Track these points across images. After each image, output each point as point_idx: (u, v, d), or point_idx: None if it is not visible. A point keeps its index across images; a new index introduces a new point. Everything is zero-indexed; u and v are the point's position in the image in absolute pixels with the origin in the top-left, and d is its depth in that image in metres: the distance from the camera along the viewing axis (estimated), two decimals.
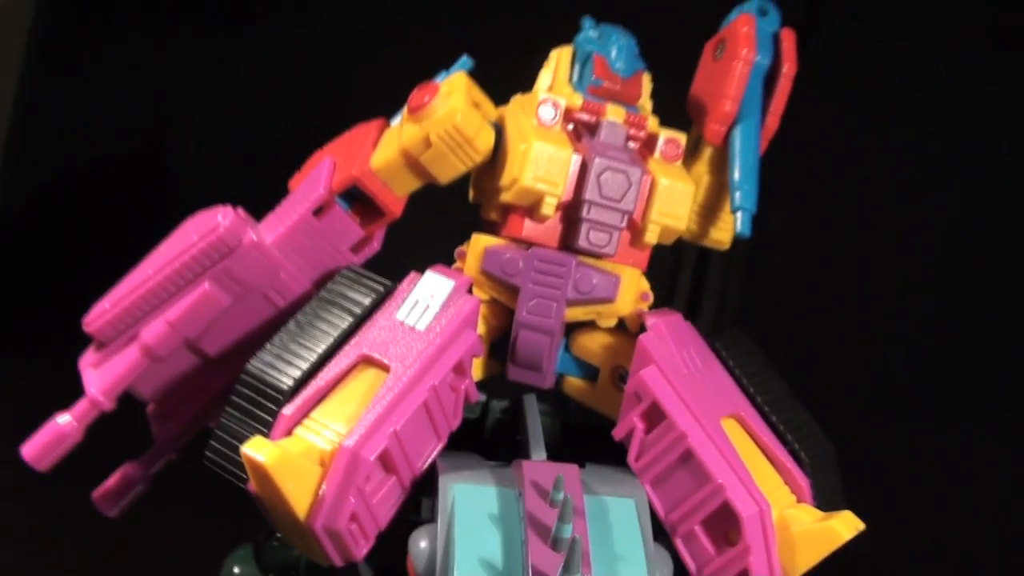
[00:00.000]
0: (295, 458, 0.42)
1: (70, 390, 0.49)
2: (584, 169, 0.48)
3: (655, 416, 0.47)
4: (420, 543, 0.44)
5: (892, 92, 0.97)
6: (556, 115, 0.49)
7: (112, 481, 0.52)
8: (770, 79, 0.52)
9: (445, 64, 0.53)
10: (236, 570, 0.56)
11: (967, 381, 1.05)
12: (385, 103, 0.55)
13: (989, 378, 1.03)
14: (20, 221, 1.27)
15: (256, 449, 0.42)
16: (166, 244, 0.50)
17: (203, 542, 0.59)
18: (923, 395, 1.01)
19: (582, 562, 0.39)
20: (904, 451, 0.90)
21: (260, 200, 0.53)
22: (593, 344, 0.52)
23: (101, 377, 0.49)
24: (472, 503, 0.44)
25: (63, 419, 0.48)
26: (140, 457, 0.53)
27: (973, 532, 1.01)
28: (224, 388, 0.51)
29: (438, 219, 0.54)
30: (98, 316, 0.49)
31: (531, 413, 0.50)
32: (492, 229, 0.52)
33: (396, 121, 0.52)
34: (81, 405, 0.49)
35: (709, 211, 0.54)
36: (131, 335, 0.49)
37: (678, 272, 1.02)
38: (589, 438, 0.51)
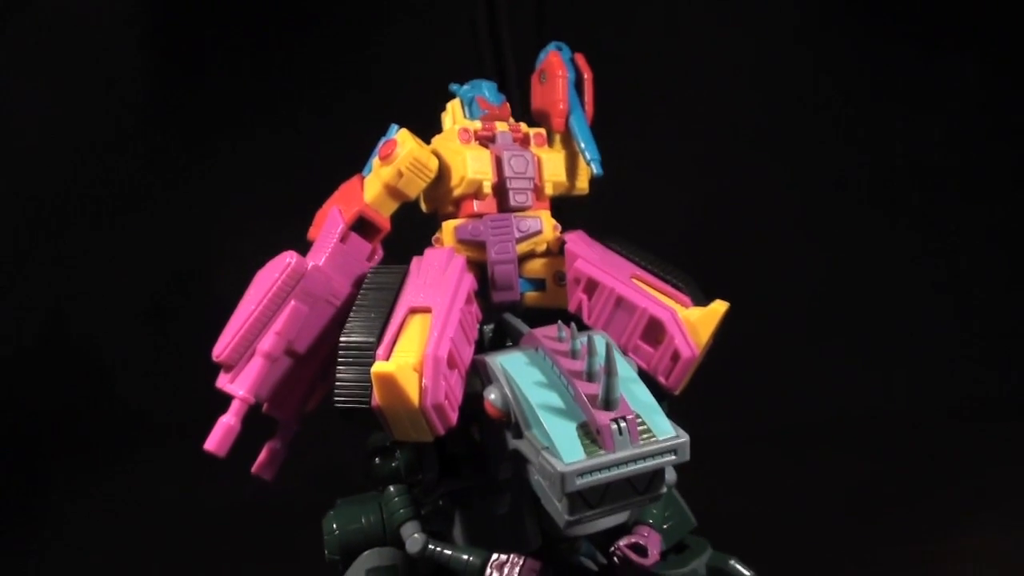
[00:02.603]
0: (404, 367, 0.66)
1: None
2: (498, 161, 0.78)
3: (591, 287, 0.76)
4: (491, 395, 0.68)
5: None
6: (469, 136, 0.79)
7: (263, 455, 0.75)
8: (578, 85, 0.84)
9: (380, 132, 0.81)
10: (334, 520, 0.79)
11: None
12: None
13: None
14: None
15: (381, 367, 0.65)
16: (253, 288, 0.74)
17: None
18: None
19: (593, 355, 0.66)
20: None
21: None
22: (536, 265, 0.80)
23: (240, 383, 0.71)
24: (514, 362, 0.69)
25: (226, 418, 0.71)
26: (275, 435, 0.76)
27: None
28: (314, 376, 0.76)
29: (408, 231, 0.81)
30: (224, 348, 0.72)
31: (513, 320, 0.78)
32: (449, 219, 0.80)
33: (367, 171, 0.80)
34: (235, 406, 0.71)
35: (571, 172, 0.83)
36: (250, 353, 0.73)
37: None
38: None
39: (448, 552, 0.73)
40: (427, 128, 0.82)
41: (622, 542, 0.78)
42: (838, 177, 1.51)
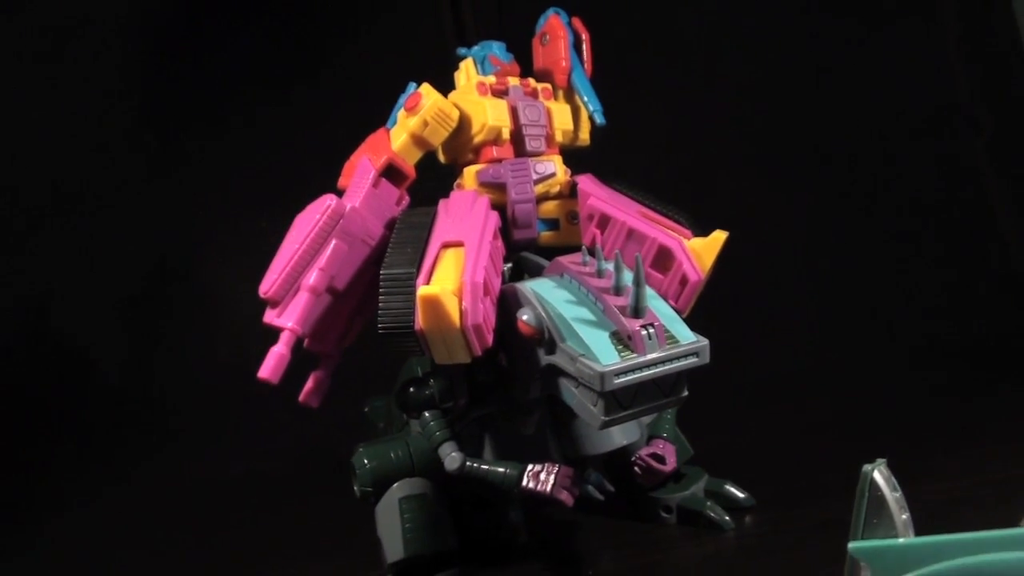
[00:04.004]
0: (446, 290, 0.71)
1: None
2: (514, 110, 0.85)
3: (603, 223, 0.83)
4: (524, 315, 0.74)
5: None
6: (486, 89, 0.86)
7: (309, 384, 0.80)
8: (577, 45, 0.92)
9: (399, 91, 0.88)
10: (364, 454, 0.85)
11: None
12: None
13: None
14: None
15: (426, 290, 0.70)
16: (295, 230, 0.79)
17: None
18: None
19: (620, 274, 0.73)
20: None
21: None
22: (550, 206, 0.86)
23: (288, 316, 0.76)
24: (543, 286, 0.75)
25: (277, 348, 0.75)
26: (319, 366, 0.81)
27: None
28: (351, 312, 0.81)
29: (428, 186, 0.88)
30: (271, 284, 0.77)
31: (531, 257, 0.85)
32: (469, 165, 0.86)
33: (391, 124, 0.86)
34: (284, 336, 0.75)
35: (575, 123, 0.91)
36: (295, 288, 0.77)
37: None
38: None
39: (485, 467, 0.79)
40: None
41: (642, 451, 0.85)
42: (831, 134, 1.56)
